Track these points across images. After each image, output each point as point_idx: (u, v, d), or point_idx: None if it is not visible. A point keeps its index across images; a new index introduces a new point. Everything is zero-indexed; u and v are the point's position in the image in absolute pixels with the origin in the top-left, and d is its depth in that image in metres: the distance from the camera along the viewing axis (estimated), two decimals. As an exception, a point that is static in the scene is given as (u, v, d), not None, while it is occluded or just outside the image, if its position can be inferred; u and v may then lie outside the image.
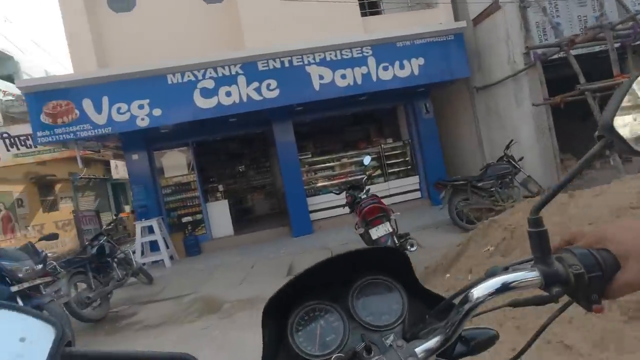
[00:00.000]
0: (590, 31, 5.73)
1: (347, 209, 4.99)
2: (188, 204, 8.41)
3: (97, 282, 4.83)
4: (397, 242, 3.94)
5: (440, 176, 7.44)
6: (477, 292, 0.49)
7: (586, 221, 2.75)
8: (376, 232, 3.80)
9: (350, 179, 8.84)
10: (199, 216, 8.42)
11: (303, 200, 8.20)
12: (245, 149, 12.39)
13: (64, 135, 6.71)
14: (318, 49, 7.29)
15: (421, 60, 7.64)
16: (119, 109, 6.80)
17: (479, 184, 5.96)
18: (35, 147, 9.59)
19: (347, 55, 7.44)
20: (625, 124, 0.49)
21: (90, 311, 4.60)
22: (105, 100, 6.77)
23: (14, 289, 3.42)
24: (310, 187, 8.75)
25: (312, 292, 0.64)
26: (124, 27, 8.00)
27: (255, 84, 7.16)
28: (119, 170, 15.24)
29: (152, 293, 5.58)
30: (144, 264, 7.12)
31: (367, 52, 7.48)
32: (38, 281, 3.55)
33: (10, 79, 12.58)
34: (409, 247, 3.73)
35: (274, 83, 7.21)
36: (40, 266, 3.63)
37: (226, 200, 8.92)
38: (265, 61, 7.18)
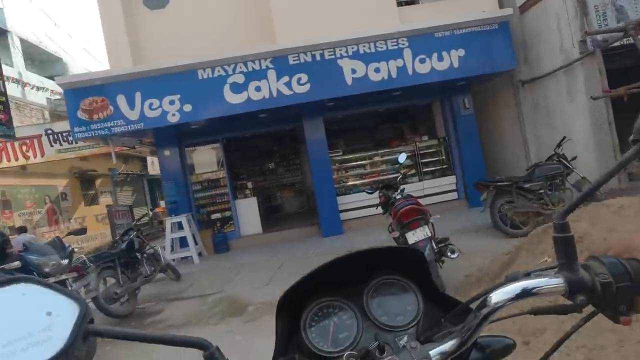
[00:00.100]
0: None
1: (379, 210, 4.67)
2: (217, 201, 8.38)
3: (125, 278, 4.81)
4: (435, 247, 3.57)
5: (480, 176, 6.90)
6: (496, 297, 0.48)
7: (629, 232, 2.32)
8: (413, 237, 3.45)
9: (382, 178, 8.50)
10: (227, 213, 8.37)
11: (333, 199, 7.93)
12: (275, 146, 12.30)
13: (99, 131, 6.83)
14: (351, 41, 6.97)
15: (461, 52, 7.13)
16: (150, 104, 6.84)
17: (526, 186, 5.46)
18: (76, 142, 9.93)
19: (381, 48, 7.07)
20: None
21: (117, 307, 4.58)
22: (138, 96, 6.83)
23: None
24: (340, 186, 8.47)
25: (327, 289, 0.64)
26: (158, 24, 8.06)
27: (286, 79, 6.96)
28: (154, 166, 15.68)
29: (178, 290, 5.53)
30: (173, 260, 7.15)
31: (403, 44, 7.07)
32: (64, 276, 3.52)
33: (59, 79, 13.22)
34: (449, 254, 3.35)
35: (304, 77, 6.98)
36: (66, 261, 3.61)
37: (255, 198, 8.83)
38: (296, 55, 6.95)
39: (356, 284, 0.66)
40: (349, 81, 7.05)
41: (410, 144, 8.82)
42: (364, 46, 7.03)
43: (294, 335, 0.64)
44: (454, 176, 8.45)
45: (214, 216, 8.35)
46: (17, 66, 13.95)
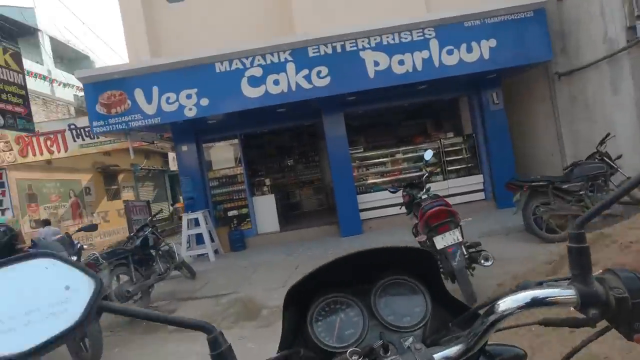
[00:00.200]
0: None
1: (402, 210, 4.36)
2: (234, 198, 8.23)
3: (138, 275, 4.69)
4: (466, 253, 3.23)
5: (509, 175, 6.44)
6: (505, 304, 0.47)
7: None
8: (442, 241, 3.12)
9: (404, 176, 8.13)
10: (244, 210, 8.21)
11: (353, 197, 7.63)
12: (294, 142, 12.06)
13: (117, 125, 6.77)
14: (374, 32, 6.62)
15: (493, 42, 6.67)
16: (167, 98, 6.72)
17: (564, 186, 5.02)
18: (97, 137, 10.02)
19: (406, 39, 6.69)
20: None
21: (130, 305, 4.46)
22: (155, 90, 6.72)
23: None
24: (360, 184, 8.15)
25: (336, 286, 0.65)
26: (177, 17, 7.96)
27: (305, 72, 6.69)
28: (175, 162, 15.81)
29: (193, 289, 5.38)
30: (189, 256, 7.05)
31: (430, 34, 6.67)
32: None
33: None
34: (482, 262, 2.97)
35: (324, 70, 6.69)
36: (74, 258, 3.47)
37: (273, 195, 8.63)
38: (316, 47, 6.67)
39: (365, 282, 0.66)
40: (371, 74, 6.72)
41: (434, 141, 8.40)
42: (388, 37, 6.67)
43: (300, 330, 0.65)
44: (482, 175, 7.99)
45: (231, 213, 8.21)
46: (46, 64, 14.32)
